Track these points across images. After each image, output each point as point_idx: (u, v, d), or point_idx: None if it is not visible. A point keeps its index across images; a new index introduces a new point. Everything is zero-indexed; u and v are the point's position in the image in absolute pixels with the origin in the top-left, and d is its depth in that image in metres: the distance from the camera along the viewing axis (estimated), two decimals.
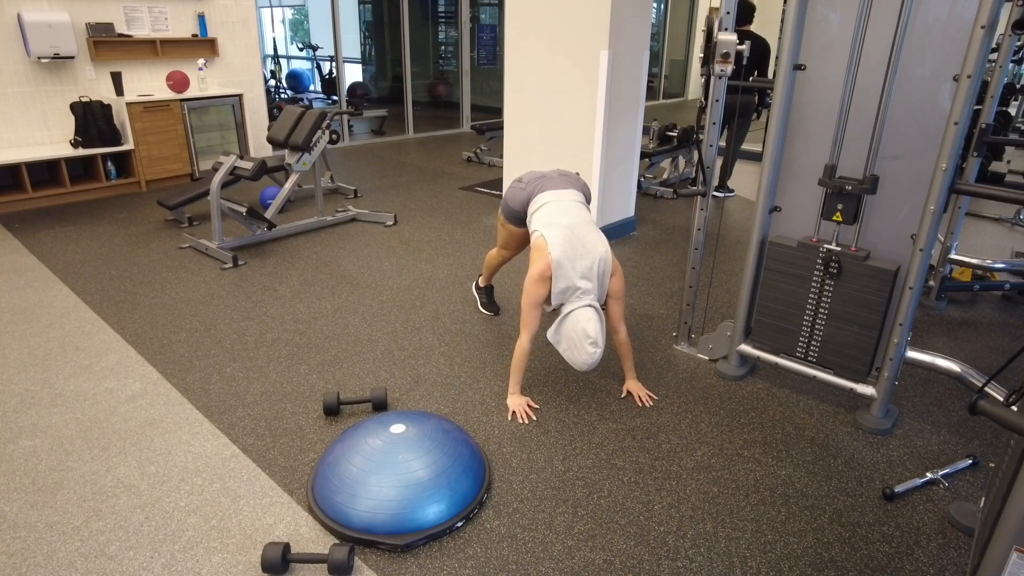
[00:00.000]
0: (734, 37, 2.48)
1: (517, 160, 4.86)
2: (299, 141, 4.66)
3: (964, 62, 2.03)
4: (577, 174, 2.91)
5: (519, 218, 2.87)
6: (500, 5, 9.57)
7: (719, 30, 2.50)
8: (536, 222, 2.63)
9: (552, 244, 2.49)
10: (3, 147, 5.21)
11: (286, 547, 1.85)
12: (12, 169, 5.09)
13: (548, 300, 2.56)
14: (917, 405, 2.76)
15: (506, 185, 3.02)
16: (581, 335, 2.40)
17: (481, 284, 3.51)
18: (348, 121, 8.08)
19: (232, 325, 3.33)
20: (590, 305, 2.46)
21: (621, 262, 4.26)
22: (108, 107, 5.37)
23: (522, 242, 3.02)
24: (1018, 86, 6.05)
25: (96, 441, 2.43)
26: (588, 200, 2.84)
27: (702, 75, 2.62)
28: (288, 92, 10.53)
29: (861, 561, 1.96)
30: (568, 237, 2.50)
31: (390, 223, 4.96)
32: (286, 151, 4.81)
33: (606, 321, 2.66)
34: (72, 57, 5.25)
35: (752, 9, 5.38)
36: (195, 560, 1.91)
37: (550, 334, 2.53)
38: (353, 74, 10.16)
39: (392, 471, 2.03)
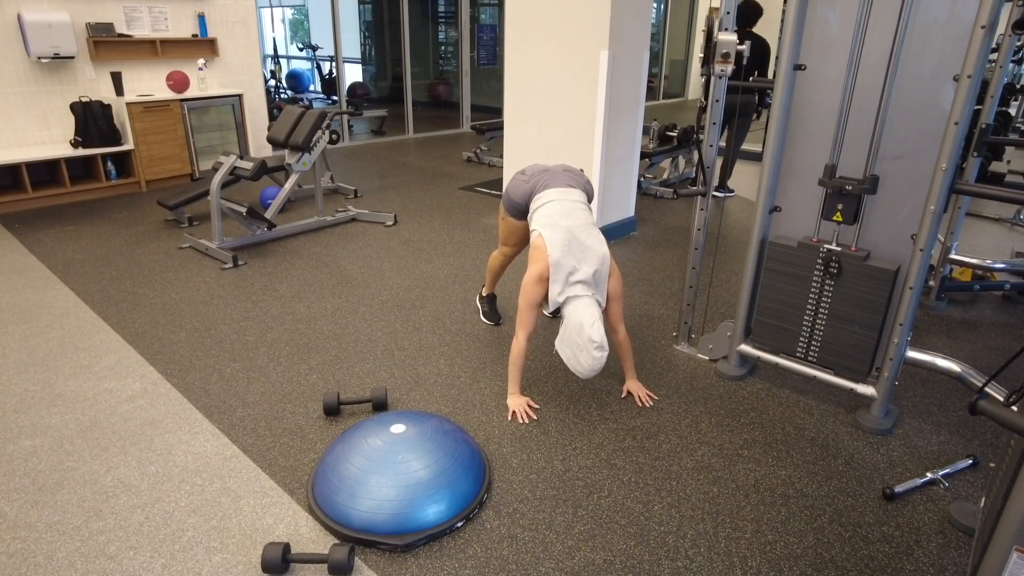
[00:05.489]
0: (734, 37, 2.48)
1: (517, 160, 4.86)
2: (299, 141, 4.66)
3: (964, 62, 2.03)
4: (581, 170, 2.90)
5: (520, 211, 2.86)
6: (500, 5, 9.57)
7: (719, 30, 2.50)
8: (537, 221, 2.63)
9: (552, 245, 2.49)
10: (3, 147, 5.21)
11: (286, 547, 1.85)
12: (12, 169, 5.09)
13: (546, 301, 2.56)
14: (917, 405, 2.76)
15: (506, 183, 3.02)
16: (586, 340, 2.38)
17: (484, 293, 3.46)
18: (348, 121, 8.08)
19: (232, 325, 3.33)
20: (590, 302, 2.46)
21: (621, 262, 4.26)
22: (108, 107, 5.37)
23: (524, 236, 3.00)
24: (1018, 86, 6.05)
25: (96, 441, 2.43)
26: (590, 198, 2.83)
27: (702, 75, 2.62)
28: (288, 92, 10.52)
29: (861, 561, 1.96)
30: (568, 239, 2.50)
31: (390, 223, 4.96)
32: (286, 151, 4.81)
33: (605, 321, 2.65)
34: (72, 57, 5.25)
35: (758, 13, 5.34)
36: (195, 560, 1.91)
37: (557, 344, 2.51)
38: (353, 74, 10.16)
39: (392, 471, 2.03)
